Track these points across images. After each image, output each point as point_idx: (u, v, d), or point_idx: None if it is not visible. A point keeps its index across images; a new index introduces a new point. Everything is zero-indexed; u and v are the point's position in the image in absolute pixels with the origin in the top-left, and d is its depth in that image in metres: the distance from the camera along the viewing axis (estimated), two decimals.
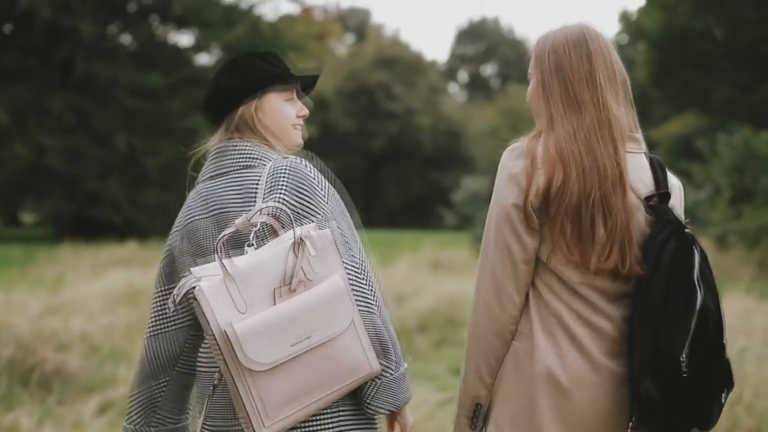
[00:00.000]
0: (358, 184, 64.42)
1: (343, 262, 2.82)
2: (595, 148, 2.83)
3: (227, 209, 2.95)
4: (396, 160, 62.30)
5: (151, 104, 36.18)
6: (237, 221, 2.76)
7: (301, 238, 2.73)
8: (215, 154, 3.08)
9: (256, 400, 2.69)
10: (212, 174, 3.06)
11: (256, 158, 3.00)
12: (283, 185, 2.88)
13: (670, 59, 26.21)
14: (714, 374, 2.79)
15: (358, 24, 76.58)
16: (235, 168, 3.00)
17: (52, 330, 10.36)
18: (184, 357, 3.11)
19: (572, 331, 2.85)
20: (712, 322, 2.75)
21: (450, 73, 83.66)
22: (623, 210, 2.81)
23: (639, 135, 2.98)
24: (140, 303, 13.07)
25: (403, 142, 61.33)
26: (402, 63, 64.47)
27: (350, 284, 2.82)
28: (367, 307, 2.85)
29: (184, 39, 40.75)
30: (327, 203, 2.92)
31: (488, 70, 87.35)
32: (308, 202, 2.88)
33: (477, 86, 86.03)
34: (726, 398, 2.84)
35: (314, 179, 2.93)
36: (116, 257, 21.24)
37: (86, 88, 35.66)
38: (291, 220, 2.77)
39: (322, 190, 2.93)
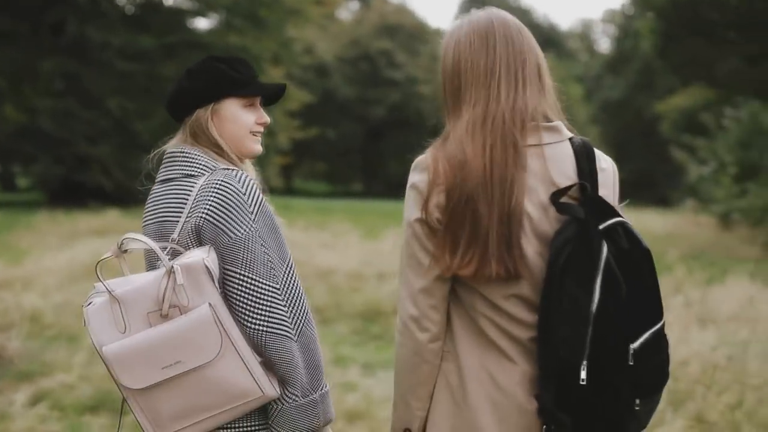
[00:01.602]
0: (357, 153, 64.34)
1: (254, 282, 2.84)
2: (471, 146, 2.73)
3: (166, 218, 2.98)
4: (397, 130, 62.11)
5: (144, 68, 35.72)
6: (111, 248, 2.88)
7: (172, 266, 2.75)
8: (167, 158, 3.08)
9: (144, 413, 2.83)
10: (162, 178, 3.07)
11: (198, 167, 2.99)
12: (208, 200, 2.88)
13: (677, 29, 25.51)
14: (619, 382, 2.65)
15: None
16: (178, 176, 3.01)
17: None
18: None
19: (498, 345, 2.80)
20: (612, 329, 2.62)
21: None
22: (501, 209, 2.68)
23: (556, 122, 2.83)
24: (110, 274, 12.32)
25: (404, 111, 61.05)
26: (405, 30, 64.21)
27: (259, 307, 2.84)
28: (274, 330, 2.84)
29: (180, 2, 39.71)
30: (253, 220, 2.88)
31: None
32: (229, 218, 2.86)
33: None
34: (647, 405, 2.76)
35: (244, 194, 2.89)
36: (94, 226, 20.64)
37: (78, 51, 35.15)
38: (217, 236, 2.85)
39: (250, 206, 2.89)
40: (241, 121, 3.09)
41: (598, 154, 2.85)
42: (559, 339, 2.63)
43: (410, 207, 2.80)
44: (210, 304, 2.76)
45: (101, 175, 34.39)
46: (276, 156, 42.63)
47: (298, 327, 2.88)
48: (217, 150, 3.05)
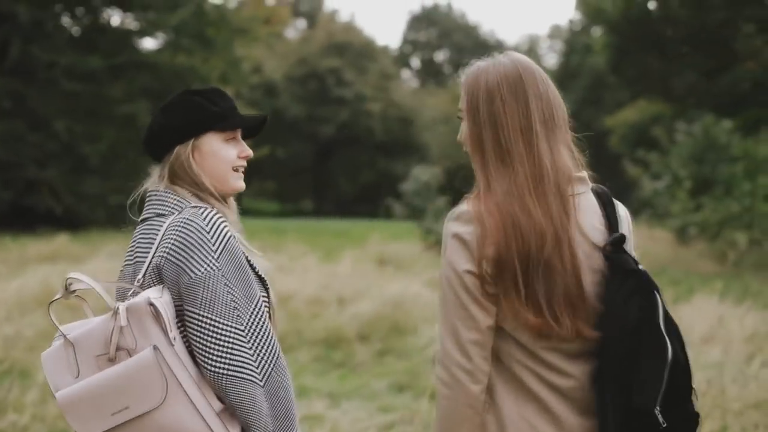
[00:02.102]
0: (307, 172, 64.09)
1: (213, 323, 2.75)
2: (529, 206, 2.70)
3: (139, 259, 2.93)
4: (346, 148, 62.18)
5: (91, 89, 35.11)
6: (60, 290, 2.77)
7: (117, 307, 2.68)
8: (146, 197, 3.03)
9: None
10: (141, 218, 3.03)
11: (169, 206, 2.93)
12: (171, 238, 2.82)
13: (630, 44, 25.66)
14: (688, 423, 2.73)
15: (310, 9, 76.38)
16: (151, 215, 2.97)
17: None
18: None
19: (537, 395, 2.77)
20: (681, 369, 2.68)
21: (402, 59, 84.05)
22: (569, 269, 2.70)
23: (583, 173, 2.84)
24: (60, 305, 11.93)
25: (353, 128, 61.29)
26: (353, 49, 64.36)
27: (218, 349, 2.74)
28: (243, 374, 2.76)
29: (127, 22, 39.26)
30: (216, 259, 2.79)
31: (441, 56, 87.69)
32: (189, 257, 2.78)
33: (429, 72, 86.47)
34: None
35: (207, 233, 2.81)
36: (44, 252, 20.17)
37: (24, 72, 34.47)
38: (175, 275, 2.79)
39: (214, 244, 2.80)
40: (221, 155, 3.01)
41: (615, 201, 2.89)
42: (634, 387, 2.63)
43: (457, 258, 2.73)
44: (154, 347, 2.68)
45: (50, 199, 33.79)
46: None
47: (265, 372, 2.80)
48: (197, 189, 2.99)
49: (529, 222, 2.68)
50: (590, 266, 2.75)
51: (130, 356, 2.68)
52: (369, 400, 8.77)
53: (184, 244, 2.78)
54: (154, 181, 3.03)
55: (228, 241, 2.83)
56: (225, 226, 2.85)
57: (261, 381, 2.77)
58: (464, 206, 2.78)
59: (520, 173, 2.73)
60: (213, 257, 2.78)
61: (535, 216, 2.68)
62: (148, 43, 41.52)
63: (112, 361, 2.70)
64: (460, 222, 2.75)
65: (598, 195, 2.86)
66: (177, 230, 2.81)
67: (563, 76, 72.33)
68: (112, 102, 35.46)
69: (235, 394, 2.73)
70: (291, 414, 2.85)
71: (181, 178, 2.99)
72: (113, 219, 34.01)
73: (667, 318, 2.69)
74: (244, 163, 3.09)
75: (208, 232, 2.80)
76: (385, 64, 67.07)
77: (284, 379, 2.85)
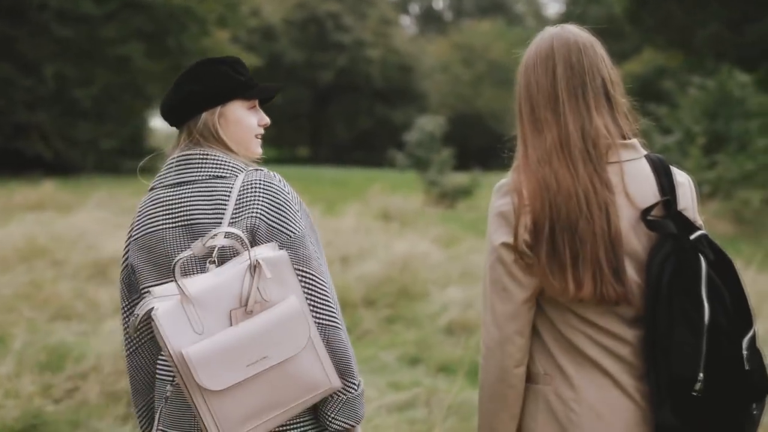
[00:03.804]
0: (304, 118, 63.31)
1: (314, 277, 2.89)
2: (557, 170, 2.77)
3: (198, 220, 2.93)
4: (344, 94, 61.50)
5: (84, 32, 34.46)
6: (194, 245, 2.80)
7: (257, 260, 2.75)
8: (178, 161, 3.03)
9: (212, 415, 2.74)
10: (175, 182, 3.01)
11: (227, 168, 2.98)
12: (258, 200, 2.89)
13: None
14: (738, 389, 2.69)
15: None
16: (203, 177, 2.97)
17: None
18: None
19: (595, 361, 2.80)
20: (725, 337, 2.66)
21: (401, 4, 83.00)
22: (600, 232, 2.73)
23: (633, 140, 2.87)
24: (43, 259, 11.51)
25: (352, 75, 60.38)
26: None
27: (320, 301, 2.89)
28: (333, 323, 2.91)
29: None
30: (300, 218, 2.93)
31: (440, 2, 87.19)
32: (284, 217, 2.89)
33: (429, 19, 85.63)
34: (760, 409, 2.76)
35: (288, 194, 2.95)
36: (31, 200, 19.50)
37: (14, 15, 33.63)
38: (246, 243, 2.79)
39: (295, 205, 2.94)
40: (245, 123, 3.08)
41: (674, 169, 2.87)
42: (671, 355, 2.66)
43: (495, 231, 2.82)
44: (296, 295, 2.81)
45: (40, 144, 33.17)
46: None
47: (342, 319, 2.97)
48: (229, 152, 3.04)
49: (558, 185, 2.74)
50: (637, 232, 2.77)
51: (263, 309, 2.76)
52: (378, 374, 8.08)
53: (276, 205, 2.88)
54: (183, 146, 3.04)
55: (300, 201, 2.98)
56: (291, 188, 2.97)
57: (343, 327, 2.94)
58: (505, 178, 2.88)
59: (548, 139, 2.80)
60: (298, 216, 2.91)
61: (562, 179, 2.74)
62: None
63: (249, 314, 2.76)
64: (500, 194, 2.84)
65: (652, 162, 2.86)
66: (261, 192, 2.89)
67: None
68: (105, 44, 34.78)
69: (336, 342, 2.88)
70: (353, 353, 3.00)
71: (210, 143, 3.03)
72: (104, 165, 33.44)
73: (711, 282, 2.68)
74: (263, 131, 3.16)
75: (288, 194, 2.93)
76: (384, 10, 66.13)
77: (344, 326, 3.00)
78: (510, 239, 2.76)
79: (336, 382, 2.87)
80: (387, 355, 8.70)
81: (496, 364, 2.81)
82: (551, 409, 2.84)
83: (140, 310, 2.75)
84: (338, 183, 30.23)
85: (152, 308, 2.73)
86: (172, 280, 2.79)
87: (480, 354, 2.88)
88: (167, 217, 2.98)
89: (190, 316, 2.73)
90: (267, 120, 3.17)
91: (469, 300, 10.41)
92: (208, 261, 2.84)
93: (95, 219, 15.47)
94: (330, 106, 61.82)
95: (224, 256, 2.86)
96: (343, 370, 2.89)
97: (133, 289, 3.11)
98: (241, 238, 2.79)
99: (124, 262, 3.14)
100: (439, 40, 71.37)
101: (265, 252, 2.80)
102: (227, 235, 2.81)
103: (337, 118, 61.42)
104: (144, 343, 3.13)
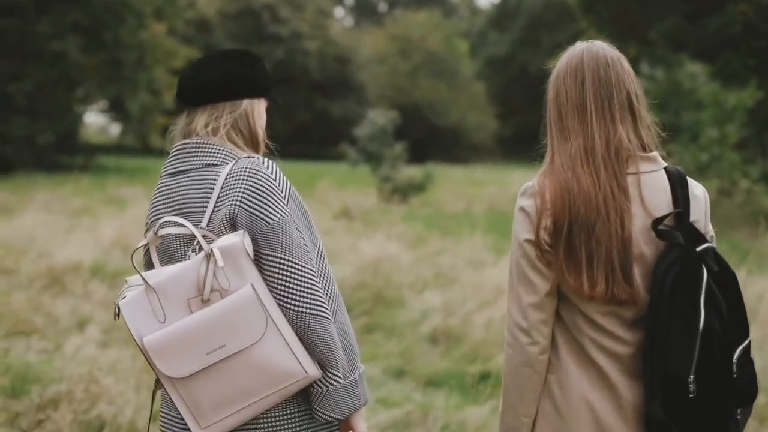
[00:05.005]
0: None
1: (294, 265, 2.86)
2: (580, 175, 2.93)
3: (188, 207, 2.99)
4: (282, 87, 60.44)
5: (17, 24, 33.73)
6: (148, 235, 2.91)
7: (211, 249, 2.77)
8: (179, 150, 3.07)
9: (186, 403, 2.83)
10: (174, 171, 3.05)
11: (220, 156, 3.01)
12: (240, 187, 2.90)
13: None
14: (724, 393, 2.86)
15: None
16: (198, 166, 3.01)
17: None
18: None
19: (595, 362, 2.98)
20: (717, 342, 2.82)
21: None
22: (614, 235, 2.89)
23: (653, 153, 3.03)
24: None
25: (289, 67, 59.74)
26: None
27: (300, 289, 2.87)
28: (317, 312, 2.88)
29: None
30: (286, 204, 2.92)
31: None
32: (264, 204, 2.88)
33: (364, 11, 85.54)
34: (745, 414, 2.92)
35: (274, 180, 2.93)
36: None
37: None
38: (196, 232, 2.83)
39: (282, 191, 2.93)
40: (263, 119, 3.17)
41: (691, 181, 3.02)
42: (667, 355, 2.81)
43: (520, 228, 3.01)
44: (252, 285, 2.81)
45: None
46: (160, 116, 40.57)
47: (333, 310, 2.95)
48: (249, 142, 3.11)
49: (579, 189, 2.91)
50: (648, 239, 2.94)
51: (222, 297, 2.78)
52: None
53: (257, 192, 2.87)
54: (203, 132, 3.06)
55: (291, 188, 2.96)
56: (284, 175, 2.96)
57: (332, 318, 2.92)
58: (531, 181, 3.05)
59: (574, 146, 2.97)
60: (284, 203, 2.89)
61: (584, 183, 2.91)
62: None
63: (206, 302, 2.78)
64: (525, 196, 3.02)
65: (670, 174, 3.00)
66: (245, 179, 2.89)
67: (500, 17, 72.15)
68: (39, 38, 33.87)
69: (318, 332, 2.85)
70: (355, 347, 3.02)
71: (241, 130, 3.08)
72: (42, 161, 32.66)
73: (710, 291, 2.82)
74: None
75: (275, 180, 2.91)
76: (321, 1, 65.73)
77: (346, 317, 3.00)
78: (532, 236, 2.96)
79: (313, 372, 2.87)
80: (371, 368, 8.13)
81: (522, 350, 3.00)
82: (552, 395, 3.04)
83: (118, 298, 2.85)
84: None
85: (122, 296, 2.84)
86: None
87: (506, 342, 3.04)
88: (166, 204, 3.05)
89: (153, 305, 2.79)
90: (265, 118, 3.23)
91: (449, 306, 9.99)
92: (189, 249, 2.89)
93: (43, 222, 14.81)
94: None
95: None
96: (325, 361, 2.89)
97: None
98: (186, 226, 2.84)
99: (145, 247, 3.14)
100: (375, 32, 71.30)
101: (223, 241, 2.82)
102: (170, 223, 2.88)
103: (275, 110, 59.98)
104: None
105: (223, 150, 3.00)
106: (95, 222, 15.64)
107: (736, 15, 23.36)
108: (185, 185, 3.00)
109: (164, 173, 3.09)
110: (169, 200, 3.03)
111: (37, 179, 25.39)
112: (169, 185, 3.05)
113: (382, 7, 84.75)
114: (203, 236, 2.87)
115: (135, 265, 2.82)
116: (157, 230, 2.85)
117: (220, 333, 2.75)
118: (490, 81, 67.71)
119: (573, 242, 2.90)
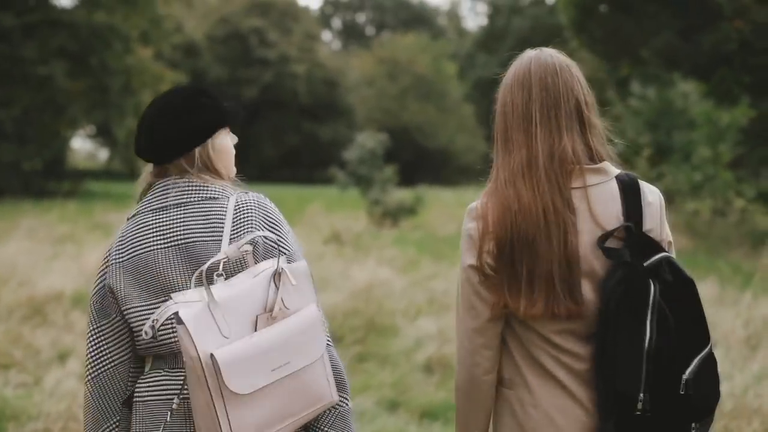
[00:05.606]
0: None
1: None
2: (520, 190, 2.89)
3: (194, 239, 2.99)
4: (270, 111, 60.83)
5: (3, 49, 33.59)
6: (228, 249, 2.87)
7: (282, 268, 2.84)
8: (163, 187, 3.07)
9: (229, 421, 2.73)
10: (161, 206, 3.05)
11: (218, 190, 3.05)
12: (255, 219, 2.99)
13: (596, 1, 24.43)
14: (676, 410, 2.83)
15: None
16: (194, 199, 3.03)
17: None
18: (129, 392, 3.11)
19: (555, 377, 2.96)
20: (667, 361, 2.80)
21: (323, 19, 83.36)
22: (557, 251, 2.85)
23: (602, 164, 2.94)
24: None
25: (278, 91, 60.19)
26: (276, 8, 63.27)
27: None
28: (328, 339, 3.00)
29: None
30: (291, 238, 3.05)
31: (362, 17, 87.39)
32: (280, 236, 3.00)
33: (351, 34, 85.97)
34: (703, 427, 2.88)
35: (279, 214, 3.07)
36: None
37: None
38: (269, 252, 2.96)
39: (285, 225, 3.07)
40: (228, 148, 3.16)
41: (644, 187, 2.94)
42: (616, 374, 2.79)
43: (464, 252, 2.97)
44: (316, 305, 2.92)
45: None
46: None
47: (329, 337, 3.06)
48: (218, 176, 3.11)
49: (520, 206, 2.85)
50: (598, 254, 2.86)
51: (285, 316, 2.82)
52: (356, 422, 7.19)
53: (272, 224, 2.99)
54: (178, 173, 3.07)
55: (286, 221, 3.09)
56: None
57: (333, 344, 3.05)
58: (476, 202, 3.00)
59: (516, 160, 2.90)
60: (290, 235, 3.04)
61: (524, 199, 2.85)
62: (64, 0, 39.58)
63: (275, 319, 2.81)
64: (469, 218, 2.98)
65: (622, 183, 2.92)
66: (258, 211, 3.00)
67: (488, 38, 72.32)
68: (26, 64, 33.76)
69: (332, 357, 2.96)
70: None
71: (202, 173, 3.06)
72: (29, 187, 32.44)
73: (659, 309, 2.79)
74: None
75: (279, 214, 3.06)
76: (308, 25, 65.98)
77: None
78: (476, 262, 2.92)
79: (335, 397, 2.94)
80: (364, 400, 7.86)
81: (467, 371, 3.01)
82: (513, 410, 3.03)
83: (160, 315, 2.74)
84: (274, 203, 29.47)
85: (178, 311, 2.74)
86: (163, 300, 2.89)
87: (456, 363, 3.06)
88: (158, 238, 3.01)
89: (218, 320, 2.74)
90: (236, 139, 3.23)
91: (444, 333, 9.75)
92: (215, 274, 2.86)
93: (26, 249, 14.48)
94: (256, 123, 61.03)
95: (227, 270, 2.90)
96: (339, 384, 2.99)
97: (103, 315, 3.06)
98: (268, 244, 2.95)
99: (98, 287, 3.08)
100: (363, 54, 71.59)
101: (283, 263, 2.87)
102: (251, 242, 2.92)
103: (264, 135, 60.67)
104: (110, 367, 3.07)
105: (218, 184, 3.06)
106: (79, 249, 15.33)
107: (731, 32, 23.34)
108: (184, 218, 3.01)
109: (145, 209, 3.07)
110: (163, 234, 3.01)
111: (23, 205, 25.11)
112: (158, 219, 3.03)
113: (370, 30, 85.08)
114: (225, 262, 2.90)
115: (204, 282, 2.74)
116: (241, 247, 2.87)
117: (287, 350, 2.79)
118: (479, 103, 67.79)
119: (515, 261, 2.86)
